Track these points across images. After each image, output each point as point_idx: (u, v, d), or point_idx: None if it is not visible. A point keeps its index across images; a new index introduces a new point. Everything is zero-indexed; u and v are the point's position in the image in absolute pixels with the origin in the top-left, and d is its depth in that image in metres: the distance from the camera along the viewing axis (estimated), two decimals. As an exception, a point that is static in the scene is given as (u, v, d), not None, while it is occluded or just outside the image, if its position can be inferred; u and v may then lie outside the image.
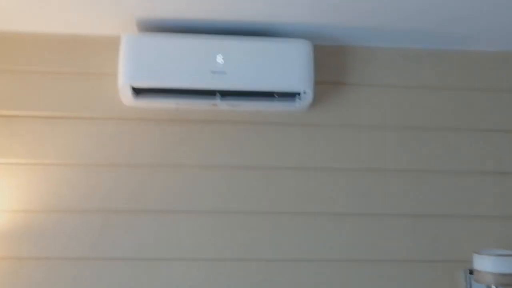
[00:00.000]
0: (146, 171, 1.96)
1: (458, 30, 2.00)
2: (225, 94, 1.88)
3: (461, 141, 2.09)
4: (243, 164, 2.00)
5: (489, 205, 2.06)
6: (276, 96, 1.90)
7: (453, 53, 2.15)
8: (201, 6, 1.80)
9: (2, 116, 1.93)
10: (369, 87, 2.10)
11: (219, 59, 1.84)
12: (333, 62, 2.10)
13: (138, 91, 1.86)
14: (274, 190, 1.99)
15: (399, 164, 2.05)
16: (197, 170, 1.97)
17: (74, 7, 1.81)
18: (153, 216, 1.93)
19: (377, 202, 2.02)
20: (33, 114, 1.95)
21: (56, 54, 1.99)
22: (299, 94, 1.90)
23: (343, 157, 2.04)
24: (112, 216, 1.92)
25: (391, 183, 2.04)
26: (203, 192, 1.96)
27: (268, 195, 1.99)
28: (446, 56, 2.14)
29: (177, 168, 1.97)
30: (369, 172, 2.04)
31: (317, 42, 2.06)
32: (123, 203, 1.93)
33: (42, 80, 1.97)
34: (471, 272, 1.97)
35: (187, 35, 1.87)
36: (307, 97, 1.91)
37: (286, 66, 1.87)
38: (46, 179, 1.91)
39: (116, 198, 1.93)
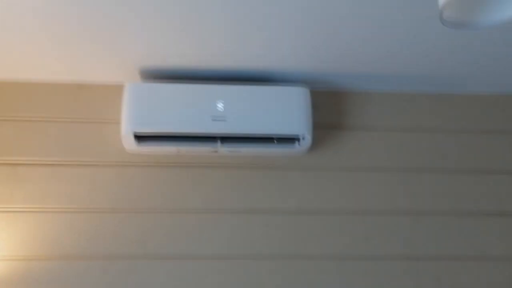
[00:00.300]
0: (148, 216, 1.96)
1: (455, 73, 2.03)
2: (226, 139, 1.91)
3: (461, 183, 2.10)
4: (244, 208, 2.01)
5: (491, 247, 2.05)
6: (276, 141, 1.93)
7: (451, 96, 2.18)
8: (202, 54, 1.85)
9: (5, 163, 1.96)
10: (367, 130, 2.13)
11: (220, 105, 1.88)
12: (332, 106, 2.14)
13: (140, 138, 1.89)
14: (275, 234, 1.99)
15: (399, 206, 2.06)
16: (198, 215, 1.98)
17: (78, 56, 1.86)
18: (155, 262, 1.93)
19: (378, 244, 2.02)
20: (36, 161, 1.97)
21: (59, 102, 2.03)
22: (298, 138, 1.93)
23: (342, 200, 2.05)
24: (115, 262, 1.91)
25: (391, 226, 2.04)
26: (205, 237, 1.97)
27: (269, 238, 1.99)
28: (444, 99, 2.18)
29: (178, 213, 1.98)
30: (369, 215, 2.04)
31: (315, 87, 2.10)
32: (125, 248, 1.93)
33: (45, 127, 2.00)
34: (474, 315, 1.95)
35: (188, 83, 1.91)
36: (306, 141, 1.94)
37: (285, 111, 1.91)
38: (48, 225, 1.92)
39: (118, 244, 1.93)
